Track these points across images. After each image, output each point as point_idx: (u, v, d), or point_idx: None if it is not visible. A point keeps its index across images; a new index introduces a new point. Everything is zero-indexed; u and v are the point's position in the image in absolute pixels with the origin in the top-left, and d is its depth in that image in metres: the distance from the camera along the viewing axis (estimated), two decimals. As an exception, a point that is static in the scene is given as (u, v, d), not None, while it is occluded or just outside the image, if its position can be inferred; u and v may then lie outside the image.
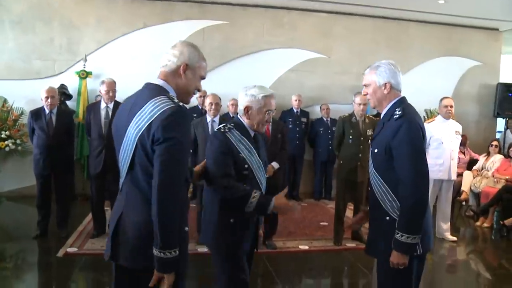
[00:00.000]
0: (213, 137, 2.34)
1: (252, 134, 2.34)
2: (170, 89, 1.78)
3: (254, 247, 2.47)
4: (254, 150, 2.30)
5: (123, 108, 1.84)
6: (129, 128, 1.72)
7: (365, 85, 2.24)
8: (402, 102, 2.15)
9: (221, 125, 2.33)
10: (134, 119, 1.70)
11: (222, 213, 2.27)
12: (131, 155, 1.72)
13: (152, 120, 1.64)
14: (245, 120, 2.33)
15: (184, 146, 1.70)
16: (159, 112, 1.65)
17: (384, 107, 2.18)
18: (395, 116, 2.08)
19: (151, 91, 1.75)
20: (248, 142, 2.29)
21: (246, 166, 2.25)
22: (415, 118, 2.08)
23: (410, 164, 2.00)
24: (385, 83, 2.14)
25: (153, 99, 1.69)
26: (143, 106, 1.69)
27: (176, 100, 1.70)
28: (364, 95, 2.31)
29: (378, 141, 2.16)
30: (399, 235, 1.99)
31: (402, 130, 2.02)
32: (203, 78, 1.89)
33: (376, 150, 2.15)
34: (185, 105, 1.77)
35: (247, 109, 2.31)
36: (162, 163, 1.63)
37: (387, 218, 2.07)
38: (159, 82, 1.80)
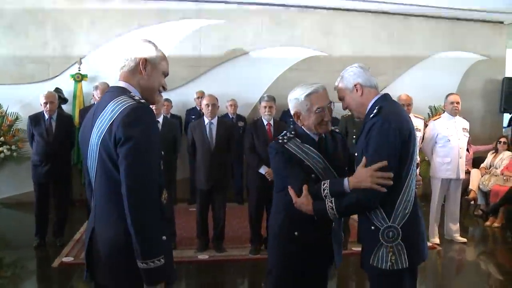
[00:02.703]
0: (270, 150, 2.13)
1: (316, 138, 2.14)
2: (132, 89, 1.69)
3: (326, 269, 2.23)
4: (320, 155, 2.09)
5: (88, 116, 1.74)
6: (92, 134, 1.62)
7: (340, 99, 2.09)
8: (383, 100, 1.96)
9: (280, 136, 2.15)
10: (95, 124, 1.61)
11: (286, 224, 2.11)
12: (96, 163, 1.61)
13: (113, 121, 1.55)
14: (302, 126, 2.14)
15: (150, 145, 1.57)
16: (119, 111, 1.54)
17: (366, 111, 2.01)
18: (371, 115, 1.91)
19: (112, 93, 1.67)
20: (312, 148, 2.10)
21: (313, 175, 2.05)
22: (388, 118, 1.84)
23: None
24: (354, 85, 2.00)
25: (114, 100, 1.59)
26: (104, 109, 1.60)
27: (137, 98, 1.61)
28: (345, 109, 2.12)
29: (358, 145, 2.01)
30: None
31: (372, 131, 1.85)
32: (166, 74, 1.80)
33: (356, 154, 2.00)
34: (150, 104, 1.70)
35: (297, 116, 2.13)
36: (128, 166, 1.51)
37: (372, 227, 1.91)
38: (121, 83, 1.71)
